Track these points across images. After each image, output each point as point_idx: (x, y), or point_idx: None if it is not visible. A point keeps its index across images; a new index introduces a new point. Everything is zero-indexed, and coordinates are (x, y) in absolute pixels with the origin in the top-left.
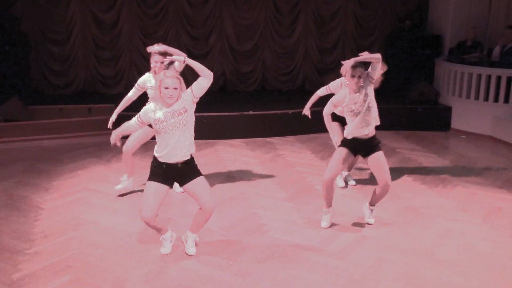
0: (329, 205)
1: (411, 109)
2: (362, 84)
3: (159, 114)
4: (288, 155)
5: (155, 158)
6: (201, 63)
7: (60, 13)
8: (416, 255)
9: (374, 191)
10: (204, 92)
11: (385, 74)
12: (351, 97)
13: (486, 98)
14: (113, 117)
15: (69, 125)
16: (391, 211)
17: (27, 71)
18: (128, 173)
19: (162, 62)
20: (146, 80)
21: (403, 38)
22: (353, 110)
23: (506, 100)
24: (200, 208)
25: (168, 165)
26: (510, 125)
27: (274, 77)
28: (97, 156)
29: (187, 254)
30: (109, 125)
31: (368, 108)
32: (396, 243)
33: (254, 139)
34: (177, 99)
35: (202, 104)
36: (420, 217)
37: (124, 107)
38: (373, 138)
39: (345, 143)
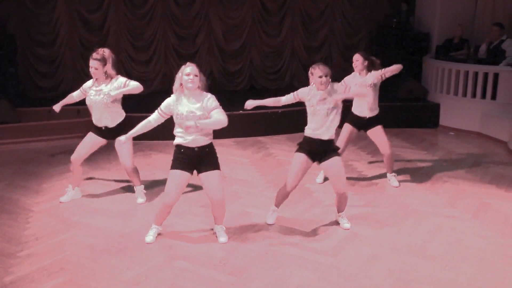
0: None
1: (400, 107)
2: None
3: (182, 110)
4: (278, 154)
5: (177, 146)
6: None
7: (46, 14)
8: (408, 251)
9: (336, 202)
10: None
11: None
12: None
13: (474, 95)
14: (57, 108)
15: (58, 127)
16: (382, 208)
17: (15, 73)
18: (74, 182)
19: (96, 69)
20: (88, 85)
21: (390, 36)
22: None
23: (493, 97)
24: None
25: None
26: (497, 122)
27: (262, 76)
28: (87, 158)
29: (220, 243)
30: (55, 109)
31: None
32: (387, 240)
33: (244, 138)
34: (198, 87)
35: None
36: (411, 214)
37: (66, 102)
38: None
39: (302, 146)
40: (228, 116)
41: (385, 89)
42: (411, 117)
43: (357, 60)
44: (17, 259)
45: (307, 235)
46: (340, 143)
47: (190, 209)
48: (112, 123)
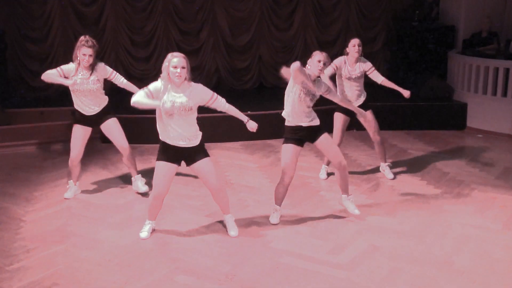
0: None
1: (423, 107)
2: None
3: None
4: None
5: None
6: (193, 59)
7: (37, 8)
8: (432, 265)
9: (338, 181)
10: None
11: (392, 70)
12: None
13: (505, 94)
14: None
15: (51, 130)
16: (403, 217)
17: (4, 72)
18: (74, 179)
19: (90, 55)
20: (70, 70)
21: (412, 30)
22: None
23: None
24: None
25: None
26: None
27: (272, 73)
28: (82, 163)
29: (231, 236)
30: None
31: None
32: (409, 252)
33: (253, 141)
34: (185, 79)
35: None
36: (435, 223)
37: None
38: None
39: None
40: (235, 117)
41: (406, 87)
42: (435, 118)
43: (360, 45)
44: (6, 273)
45: (320, 246)
46: (335, 134)
47: (194, 219)
48: (99, 109)
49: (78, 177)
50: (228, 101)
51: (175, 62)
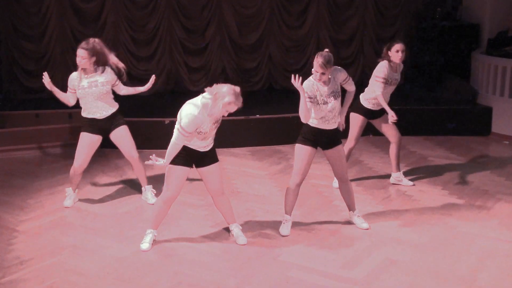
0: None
1: (445, 111)
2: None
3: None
4: None
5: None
6: (198, 59)
7: (33, 4)
8: (453, 281)
9: (343, 197)
10: None
11: (411, 71)
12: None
13: None
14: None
15: (47, 134)
16: (422, 229)
17: None
18: (74, 186)
19: (83, 58)
20: (74, 79)
21: (433, 28)
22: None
23: None
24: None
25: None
26: None
27: (283, 74)
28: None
29: (239, 244)
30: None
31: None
32: (429, 268)
33: (261, 147)
34: None
35: None
36: (457, 237)
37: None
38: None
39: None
40: (243, 121)
41: (427, 90)
42: (457, 122)
43: (403, 51)
44: None
45: (333, 259)
46: (351, 136)
47: (199, 229)
48: (108, 113)
49: (78, 185)
50: None
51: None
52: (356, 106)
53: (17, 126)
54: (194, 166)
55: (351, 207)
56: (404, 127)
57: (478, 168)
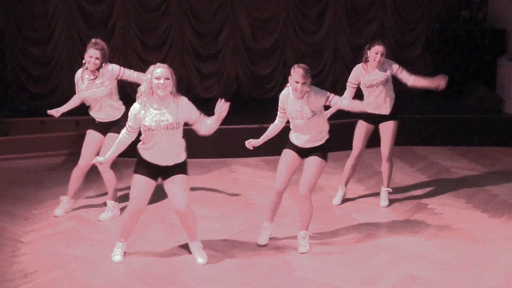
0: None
1: (469, 120)
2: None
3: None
4: None
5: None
6: (210, 64)
7: (40, 6)
8: None
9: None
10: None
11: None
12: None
13: None
14: (55, 113)
15: (52, 141)
16: (445, 245)
17: (2, 77)
18: (71, 193)
19: (97, 58)
20: (78, 78)
21: (456, 33)
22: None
23: None
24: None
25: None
26: None
27: None
28: (86, 179)
29: (198, 264)
30: (54, 113)
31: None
32: (452, 286)
33: (275, 157)
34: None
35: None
36: (482, 253)
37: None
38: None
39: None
40: (256, 129)
41: (450, 98)
42: (482, 132)
43: (383, 54)
44: None
45: (350, 275)
46: (356, 144)
47: (210, 243)
48: (114, 116)
49: (75, 192)
50: (248, 112)
51: (158, 73)
52: (362, 114)
53: (22, 134)
54: (161, 179)
55: (302, 227)
56: (425, 137)
57: (504, 180)
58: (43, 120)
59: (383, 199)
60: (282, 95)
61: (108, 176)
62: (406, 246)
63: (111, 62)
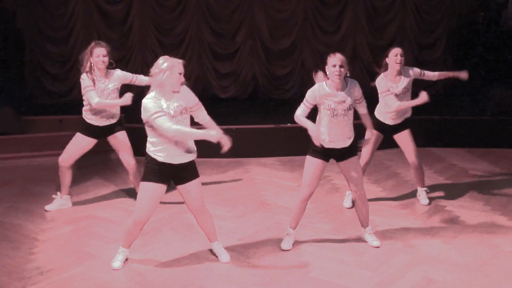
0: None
1: (488, 122)
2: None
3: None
4: (334, 177)
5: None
6: (227, 64)
7: (59, 6)
8: None
9: (358, 213)
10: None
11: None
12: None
13: None
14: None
15: (70, 140)
16: (463, 247)
17: (21, 75)
18: (62, 190)
19: (104, 55)
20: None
21: (476, 34)
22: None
23: None
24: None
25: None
26: None
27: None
28: (104, 177)
29: (222, 262)
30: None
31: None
32: None
33: (292, 157)
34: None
35: (230, 115)
36: (501, 256)
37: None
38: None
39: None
40: (273, 129)
41: (471, 100)
42: (501, 134)
43: (402, 54)
44: None
45: (367, 277)
46: (365, 151)
47: (226, 243)
48: (114, 120)
49: (67, 188)
50: (266, 112)
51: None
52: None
53: (40, 132)
54: (173, 182)
55: (364, 225)
56: (445, 139)
57: None
58: (61, 118)
59: (423, 198)
60: (313, 90)
61: (137, 174)
62: (423, 249)
63: (129, 60)
